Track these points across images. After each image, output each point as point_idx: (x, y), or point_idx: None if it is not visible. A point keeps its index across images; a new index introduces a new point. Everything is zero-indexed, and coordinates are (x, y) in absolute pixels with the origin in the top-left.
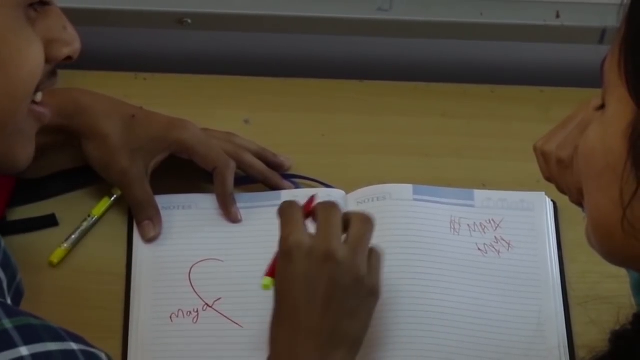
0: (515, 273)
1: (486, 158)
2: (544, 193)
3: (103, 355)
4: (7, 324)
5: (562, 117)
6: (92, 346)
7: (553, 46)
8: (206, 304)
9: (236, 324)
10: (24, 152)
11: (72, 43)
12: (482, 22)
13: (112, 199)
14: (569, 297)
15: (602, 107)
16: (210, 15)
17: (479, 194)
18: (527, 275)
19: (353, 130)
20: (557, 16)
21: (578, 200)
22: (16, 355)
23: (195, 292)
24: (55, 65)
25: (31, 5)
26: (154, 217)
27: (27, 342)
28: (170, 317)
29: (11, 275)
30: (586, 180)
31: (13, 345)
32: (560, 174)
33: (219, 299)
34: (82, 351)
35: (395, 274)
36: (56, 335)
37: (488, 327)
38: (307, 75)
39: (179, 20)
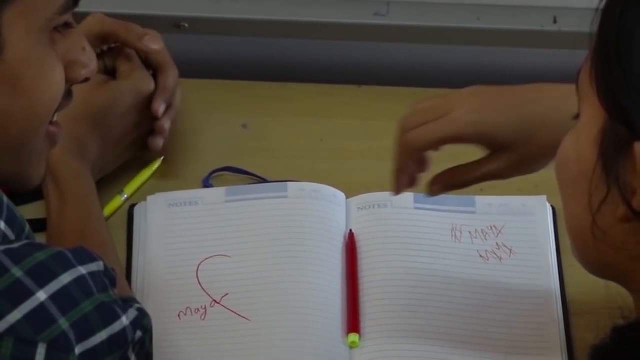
0: (517, 279)
1: None
2: (545, 197)
3: (101, 264)
4: (17, 272)
5: None
6: (91, 258)
7: (550, 52)
8: (214, 300)
9: (244, 318)
10: (37, 171)
11: (89, 65)
12: (479, 27)
13: (124, 198)
14: (568, 302)
15: (578, 117)
16: (207, 19)
17: (480, 200)
18: (529, 281)
19: (351, 135)
20: (555, 21)
21: None
22: (36, 303)
23: (203, 289)
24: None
25: (55, 27)
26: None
27: (42, 285)
28: (178, 315)
29: (19, 230)
30: (562, 189)
31: (29, 294)
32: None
33: (227, 294)
34: (89, 273)
35: (397, 282)
36: (65, 262)
37: (489, 334)
38: (305, 80)
39: (175, 24)
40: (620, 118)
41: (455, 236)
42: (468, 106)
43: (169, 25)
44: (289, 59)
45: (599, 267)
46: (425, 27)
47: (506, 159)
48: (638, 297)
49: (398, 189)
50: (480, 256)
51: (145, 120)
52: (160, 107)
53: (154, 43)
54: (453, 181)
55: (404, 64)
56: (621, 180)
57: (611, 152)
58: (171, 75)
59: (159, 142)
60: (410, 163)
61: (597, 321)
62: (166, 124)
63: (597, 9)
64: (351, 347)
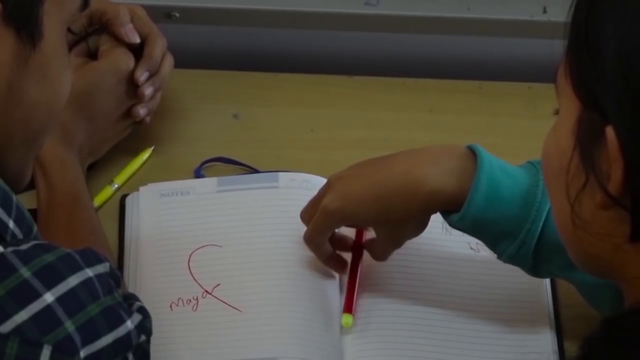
0: (508, 271)
1: None
2: None
3: (107, 265)
4: (25, 272)
5: (549, 113)
6: (98, 260)
7: (540, 42)
8: (205, 290)
9: (236, 309)
10: (31, 169)
11: (73, 70)
12: (469, 17)
13: (114, 187)
14: (558, 293)
15: (557, 113)
16: (198, 9)
17: None
18: (520, 273)
19: (342, 125)
20: (544, 11)
21: None
22: (43, 305)
23: (195, 279)
24: None
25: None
26: None
27: (49, 286)
28: (170, 306)
29: (27, 230)
30: (547, 185)
31: (37, 295)
32: None
33: (218, 285)
34: (96, 275)
35: (387, 273)
36: (72, 264)
37: (479, 326)
38: (296, 70)
39: (167, 14)
40: (593, 105)
41: (446, 228)
42: (332, 194)
43: (160, 15)
44: (280, 49)
45: (587, 261)
46: (416, 16)
47: (380, 234)
48: (626, 287)
49: (337, 271)
50: (471, 248)
51: (129, 96)
52: (141, 76)
53: (135, 35)
54: (375, 257)
55: (394, 54)
56: (597, 167)
57: (586, 140)
58: (157, 44)
59: (140, 110)
60: (324, 252)
61: (588, 312)
62: (147, 90)
63: (572, 1)
64: (344, 327)
